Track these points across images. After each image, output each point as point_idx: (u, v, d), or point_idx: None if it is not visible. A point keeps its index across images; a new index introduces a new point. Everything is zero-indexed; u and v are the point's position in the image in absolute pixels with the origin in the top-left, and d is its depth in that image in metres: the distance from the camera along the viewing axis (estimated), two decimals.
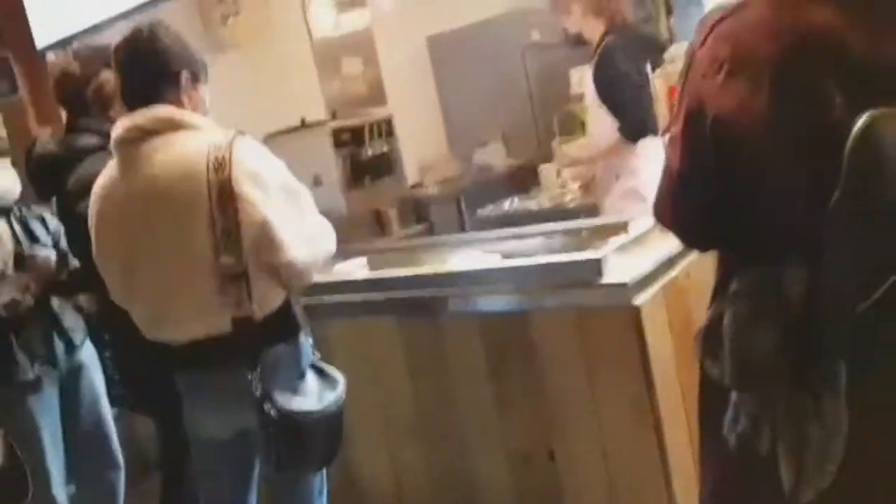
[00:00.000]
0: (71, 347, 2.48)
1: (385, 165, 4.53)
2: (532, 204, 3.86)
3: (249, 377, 1.72)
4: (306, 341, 1.89)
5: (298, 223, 1.79)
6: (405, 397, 2.52)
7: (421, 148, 5.37)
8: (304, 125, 4.45)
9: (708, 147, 1.26)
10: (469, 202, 4.82)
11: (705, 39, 1.27)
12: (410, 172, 5.13)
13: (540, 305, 2.19)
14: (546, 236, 2.76)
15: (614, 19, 3.10)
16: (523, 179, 4.53)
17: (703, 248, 1.46)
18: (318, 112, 4.79)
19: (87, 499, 2.62)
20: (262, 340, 1.76)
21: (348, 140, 4.41)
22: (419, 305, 2.42)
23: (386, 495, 2.65)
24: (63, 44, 3.45)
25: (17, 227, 2.40)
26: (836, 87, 1.12)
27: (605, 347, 2.08)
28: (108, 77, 2.06)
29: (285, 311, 1.83)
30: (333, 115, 4.69)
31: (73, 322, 2.49)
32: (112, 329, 2.33)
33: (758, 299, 1.29)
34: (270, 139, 4.49)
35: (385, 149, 4.52)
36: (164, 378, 1.93)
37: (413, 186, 5.10)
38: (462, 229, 4.72)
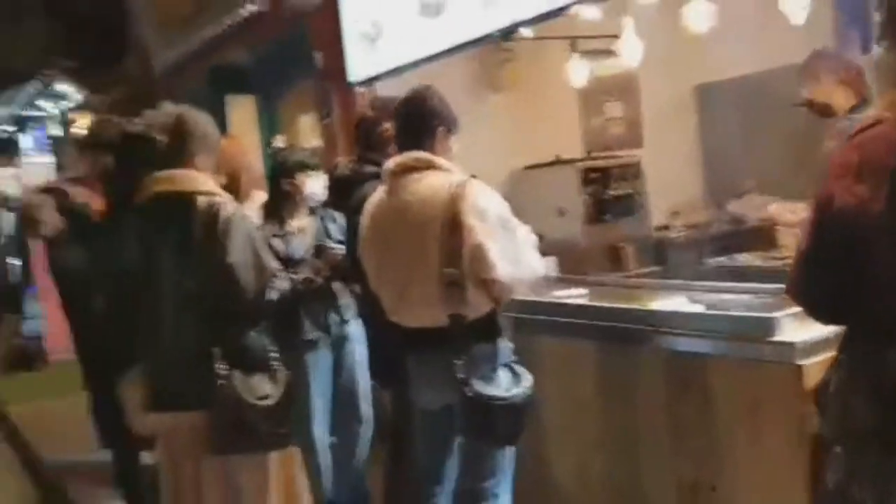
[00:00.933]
0: (343, 321, 3.24)
1: (628, 205, 4.85)
2: (761, 261, 3.97)
3: (456, 363, 2.23)
4: (505, 344, 2.36)
5: (509, 250, 2.26)
6: (594, 413, 2.89)
7: (673, 192, 5.50)
8: (557, 161, 4.94)
9: (833, 235, 1.52)
10: (710, 250, 4.94)
11: (844, 148, 1.54)
12: (658, 214, 5.34)
13: (719, 352, 2.46)
14: (755, 294, 2.94)
15: (864, 93, 3.11)
16: (769, 235, 4.58)
17: (827, 322, 1.69)
18: (574, 151, 5.26)
19: (339, 443, 3.33)
20: (470, 337, 2.27)
21: (595, 179, 4.81)
22: (616, 335, 2.78)
23: (568, 495, 3.02)
24: (369, 82, 4.27)
25: (319, 224, 3.19)
26: None
27: (770, 398, 2.29)
28: (389, 126, 2.70)
29: (491, 318, 2.32)
30: (588, 155, 5.12)
31: (346, 302, 3.24)
32: (369, 310, 2.98)
33: (861, 371, 1.53)
34: (527, 171, 5.06)
35: (630, 190, 4.84)
36: (398, 354, 2.51)
37: (658, 228, 5.32)
38: (698, 276, 4.85)
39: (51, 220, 3.11)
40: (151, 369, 2.45)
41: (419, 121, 2.35)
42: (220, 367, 2.31)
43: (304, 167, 3.17)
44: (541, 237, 4.44)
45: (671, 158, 5.40)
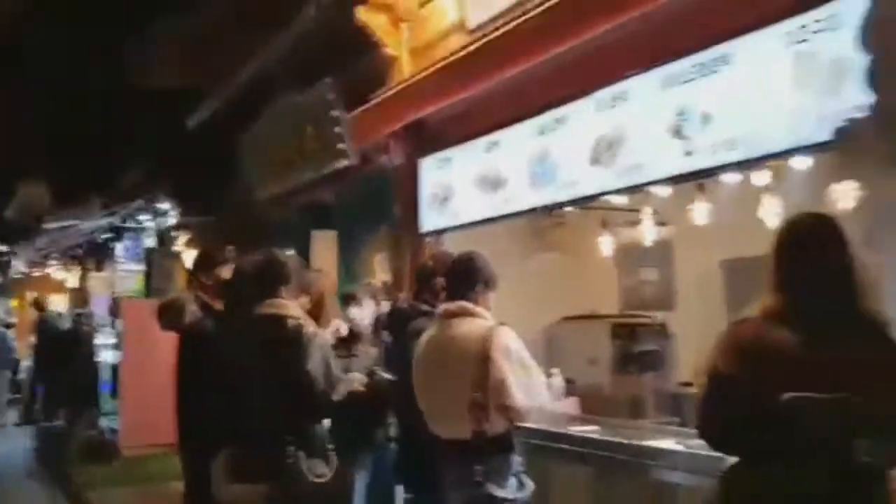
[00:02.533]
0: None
1: (652, 361, 5.42)
2: None
3: (475, 469, 2.86)
4: (515, 458, 2.97)
5: (525, 384, 2.92)
6: None
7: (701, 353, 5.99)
8: (591, 316, 5.61)
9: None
10: None
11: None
12: (686, 371, 5.83)
13: (694, 483, 3.02)
14: None
15: None
16: None
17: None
18: (610, 307, 5.92)
19: None
20: (488, 449, 2.90)
21: (624, 334, 5.44)
22: (611, 464, 3.40)
23: None
24: (437, 233, 5.10)
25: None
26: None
27: None
28: (441, 280, 3.46)
29: (507, 436, 2.95)
30: (620, 313, 5.77)
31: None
32: (412, 422, 3.62)
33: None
34: (565, 321, 5.73)
35: (655, 347, 5.43)
36: (430, 461, 3.15)
37: (682, 384, 5.84)
38: None
39: (193, 310, 3.91)
40: (237, 449, 3.16)
41: (465, 278, 3.09)
42: (290, 450, 3.02)
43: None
44: (572, 381, 5.09)
45: (701, 322, 5.94)
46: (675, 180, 3.44)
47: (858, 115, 2.49)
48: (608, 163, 3.69)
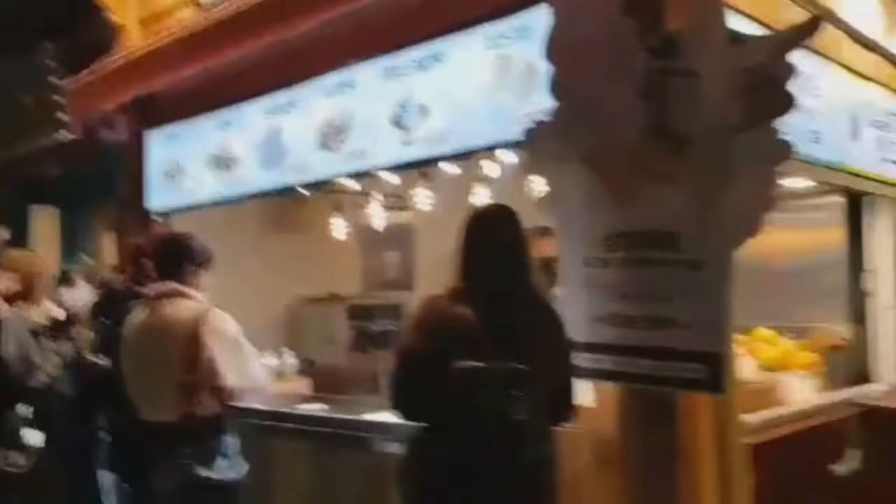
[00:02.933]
0: None
1: (387, 339, 5.67)
2: None
3: (183, 451, 2.83)
4: (227, 440, 2.98)
5: (237, 365, 2.93)
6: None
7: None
8: (330, 297, 5.75)
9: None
10: None
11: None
12: None
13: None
14: None
15: None
16: None
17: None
18: (352, 288, 6.09)
19: None
20: (200, 431, 2.88)
21: (361, 314, 5.64)
22: (331, 438, 3.52)
23: None
24: (165, 214, 4.90)
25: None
26: None
27: None
28: (148, 261, 3.37)
29: (217, 418, 2.94)
30: (361, 294, 5.96)
31: None
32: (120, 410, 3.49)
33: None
34: (306, 302, 5.80)
35: (390, 326, 5.68)
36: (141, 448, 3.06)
37: None
38: None
39: None
40: None
41: (175, 258, 3.03)
42: None
43: None
44: (312, 362, 5.17)
45: None
46: (396, 168, 3.61)
47: (541, 117, 2.76)
48: (335, 148, 3.78)
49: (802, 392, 3.69)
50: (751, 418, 3.15)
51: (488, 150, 3.30)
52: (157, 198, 4.92)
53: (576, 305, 2.71)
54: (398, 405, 2.32)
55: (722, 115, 2.46)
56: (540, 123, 2.80)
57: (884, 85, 4.10)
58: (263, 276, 5.15)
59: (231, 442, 3.00)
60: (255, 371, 3.05)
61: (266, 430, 3.71)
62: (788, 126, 2.44)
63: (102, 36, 5.01)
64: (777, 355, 3.87)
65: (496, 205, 2.50)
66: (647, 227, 2.56)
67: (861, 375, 4.33)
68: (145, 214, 4.97)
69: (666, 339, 2.49)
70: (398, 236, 6.40)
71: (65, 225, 6.62)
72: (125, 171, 5.16)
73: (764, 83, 2.40)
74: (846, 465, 3.59)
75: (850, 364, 4.35)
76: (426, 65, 3.41)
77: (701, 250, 2.46)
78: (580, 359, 2.65)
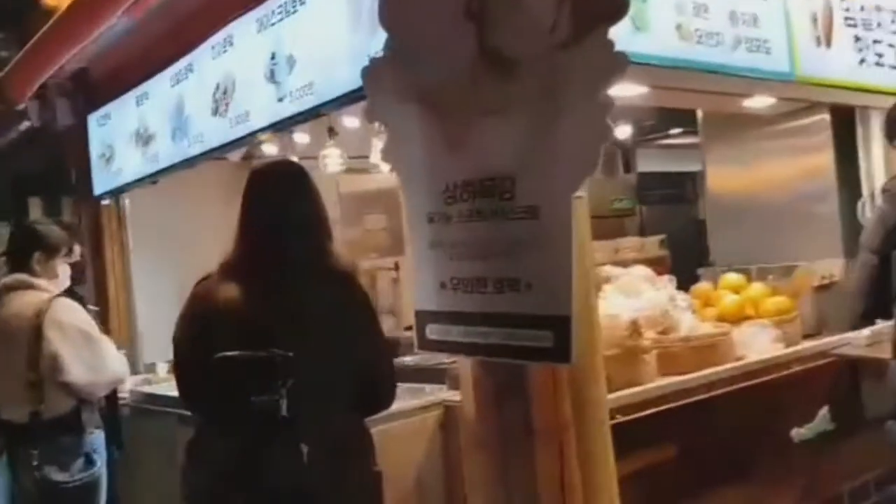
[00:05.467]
0: None
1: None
2: None
3: (32, 453, 2.65)
4: (89, 436, 2.78)
5: (87, 357, 2.71)
6: None
7: None
8: None
9: None
10: None
11: None
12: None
13: None
14: None
15: None
16: None
17: None
18: None
19: None
20: (52, 430, 2.69)
21: None
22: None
23: None
24: (108, 195, 4.74)
25: None
26: None
27: None
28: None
29: (71, 415, 2.74)
30: None
31: None
32: None
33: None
34: None
35: None
36: None
37: (408, 328, 5.87)
38: None
39: None
40: None
41: (21, 248, 2.83)
42: None
43: None
44: None
45: None
46: (274, 127, 3.28)
47: (378, 54, 2.40)
48: (224, 112, 3.49)
49: (761, 344, 3.20)
50: (661, 383, 2.75)
51: (353, 99, 2.93)
52: (99, 183, 4.77)
53: (423, 270, 2.37)
54: (181, 393, 2.05)
55: (550, 27, 2.04)
56: (375, 61, 2.43)
57: None
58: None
59: (92, 439, 2.80)
60: (108, 363, 2.83)
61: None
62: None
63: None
64: (733, 304, 3.38)
65: (282, 161, 2.15)
66: (483, 173, 2.17)
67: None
68: (96, 202, 4.83)
69: (512, 303, 2.10)
70: (382, 199, 6.09)
71: (50, 217, 6.61)
72: (70, 158, 5.03)
73: None
74: (814, 428, 3.10)
75: (843, 306, 3.80)
76: (290, 9, 3.05)
77: (537, 195, 2.06)
78: (429, 330, 2.33)
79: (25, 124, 5.46)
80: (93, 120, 4.75)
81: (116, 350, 2.90)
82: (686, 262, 4.92)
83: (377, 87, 2.45)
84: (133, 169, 4.35)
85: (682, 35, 2.66)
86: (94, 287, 4.80)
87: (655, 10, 2.61)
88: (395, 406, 2.93)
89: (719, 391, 2.91)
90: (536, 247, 2.05)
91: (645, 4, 2.58)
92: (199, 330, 1.92)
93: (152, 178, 4.25)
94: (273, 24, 3.15)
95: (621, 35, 2.53)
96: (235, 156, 4.12)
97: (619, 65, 1.93)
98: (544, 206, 2.03)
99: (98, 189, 4.75)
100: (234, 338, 1.84)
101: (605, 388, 2.33)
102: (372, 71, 2.44)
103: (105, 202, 4.78)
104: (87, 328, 2.77)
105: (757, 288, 3.51)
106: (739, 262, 4.07)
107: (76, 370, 2.67)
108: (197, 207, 4.67)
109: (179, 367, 1.99)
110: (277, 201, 2.00)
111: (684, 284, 3.82)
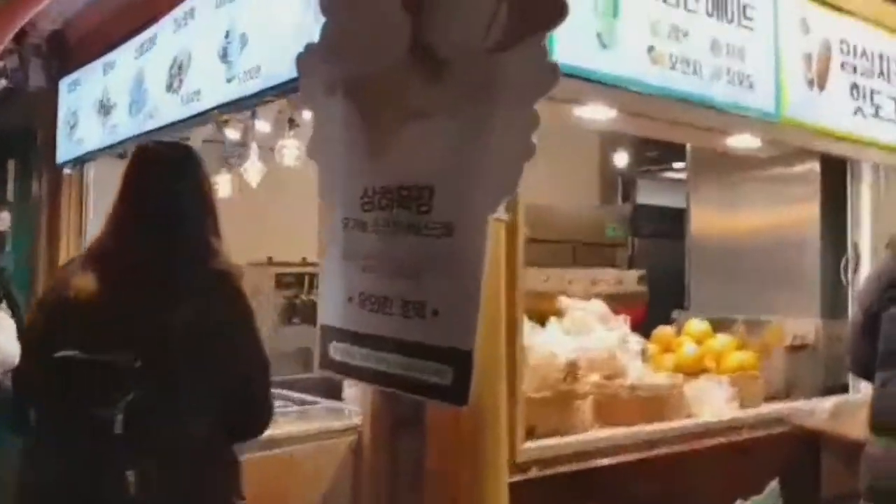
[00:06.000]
0: None
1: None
2: None
3: None
4: None
5: None
6: None
7: None
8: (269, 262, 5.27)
9: None
10: None
11: None
12: None
13: None
14: None
15: None
16: None
17: None
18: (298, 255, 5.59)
19: None
20: None
21: (292, 283, 5.14)
22: None
23: None
24: (72, 164, 4.55)
25: None
26: None
27: None
28: None
29: None
30: (303, 261, 5.45)
31: None
32: None
33: None
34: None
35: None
36: None
37: None
38: None
39: None
40: None
41: None
42: None
43: None
44: None
45: None
46: (222, 109, 3.07)
47: (312, 42, 2.20)
48: (177, 88, 3.29)
49: (715, 402, 2.95)
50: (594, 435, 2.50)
51: (291, 86, 2.72)
52: (63, 151, 4.58)
53: (332, 281, 2.17)
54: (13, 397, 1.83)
55: (485, 27, 1.82)
56: (310, 47, 2.23)
57: (867, 18, 3.22)
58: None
59: None
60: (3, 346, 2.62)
61: None
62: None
63: None
64: (692, 355, 3.13)
65: (170, 142, 1.94)
66: (402, 180, 1.96)
67: (834, 385, 3.53)
68: (58, 170, 4.65)
69: (416, 330, 1.89)
70: None
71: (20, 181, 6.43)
72: (39, 122, 4.85)
73: None
74: (760, 502, 2.85)
75: (817, 370, 3.55)
76: None
77: (454, 211, 1.84)
78: (333, 349, 2.13)
79: (2, 83, 5.30)
80: (64, 85, 4.56)
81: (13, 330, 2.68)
82: (666, 301, 4.67)
83: (309, 75, 2.25)
84: (94, 139, 4.15)
85: (654, 58, 2.43)
86: (46, 256, 4.63)
87: (627, 28, 2.38)
88: (306, 427, 2.75)
89: (661, 450, 2.67)
90: (447, 270, 1.83)
91: (615, 20, 2.35)
92: (44, 321, 1.70)
93: (116, 151, 4.05)
94: (233, 0, 2.95)
95: (584, 50, 2.36)
96: (197, 138, 3.91)
97: (552, 76, 1.71)
98: (460, 225, 1.82)
99: (61, 157, 4.56)
100: (81, 336, 1.62)
101: (517, 434, 2.11)
102: (306, 58, 2.24)
103: (67, 171, 4.60)
104: None
105: (721, 340, 3.26)
106: (713, 309, 3.83)
107: None
108: None
109: (20, 359, 1.78)
110: (154, 186, 1.78)
111: (657, 326, 3.61)
